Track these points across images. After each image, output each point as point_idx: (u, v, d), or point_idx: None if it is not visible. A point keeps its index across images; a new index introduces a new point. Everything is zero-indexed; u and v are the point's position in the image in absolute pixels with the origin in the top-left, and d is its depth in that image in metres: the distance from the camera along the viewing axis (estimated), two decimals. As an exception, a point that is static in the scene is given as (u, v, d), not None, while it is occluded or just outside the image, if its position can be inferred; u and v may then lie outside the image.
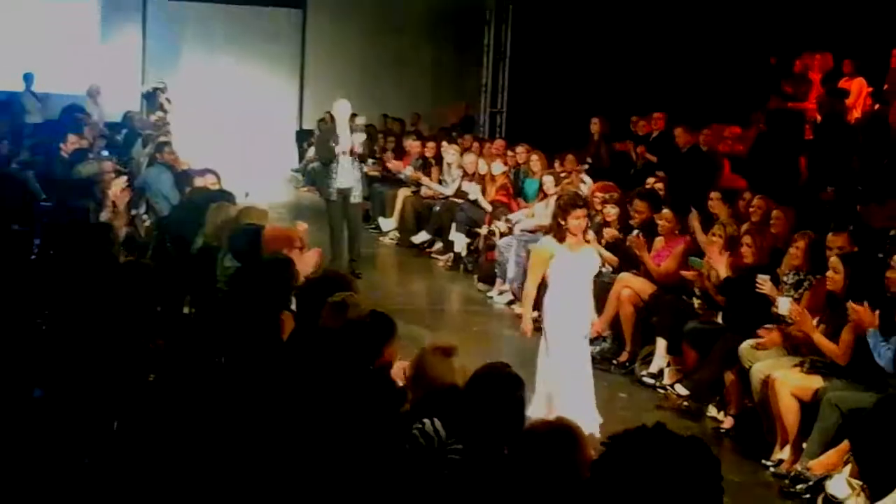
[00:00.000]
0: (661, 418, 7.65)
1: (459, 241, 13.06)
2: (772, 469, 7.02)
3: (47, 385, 4.99)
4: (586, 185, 11.65)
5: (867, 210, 9.44)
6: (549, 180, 11.86)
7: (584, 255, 7.16)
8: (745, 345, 7.57)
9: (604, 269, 9.85)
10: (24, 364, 5.21)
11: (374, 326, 5.07)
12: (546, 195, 11.75)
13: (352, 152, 11.81)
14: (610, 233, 9.90)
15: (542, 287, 7.36)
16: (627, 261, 9.54)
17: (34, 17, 19.52)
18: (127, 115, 16.46)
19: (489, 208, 12.79)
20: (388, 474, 4.19)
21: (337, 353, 5.09)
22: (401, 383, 5.02)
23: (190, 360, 5.15)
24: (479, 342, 9.84)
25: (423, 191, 14.69)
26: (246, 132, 19.68)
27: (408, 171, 15.20)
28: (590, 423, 6.82)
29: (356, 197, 12.03)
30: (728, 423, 7.79)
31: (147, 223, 10.75)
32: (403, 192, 14.91)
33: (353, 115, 12.77)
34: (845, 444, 6.42)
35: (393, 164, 15.64)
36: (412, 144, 15.68)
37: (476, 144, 15.07)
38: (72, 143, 12.00)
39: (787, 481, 6.74)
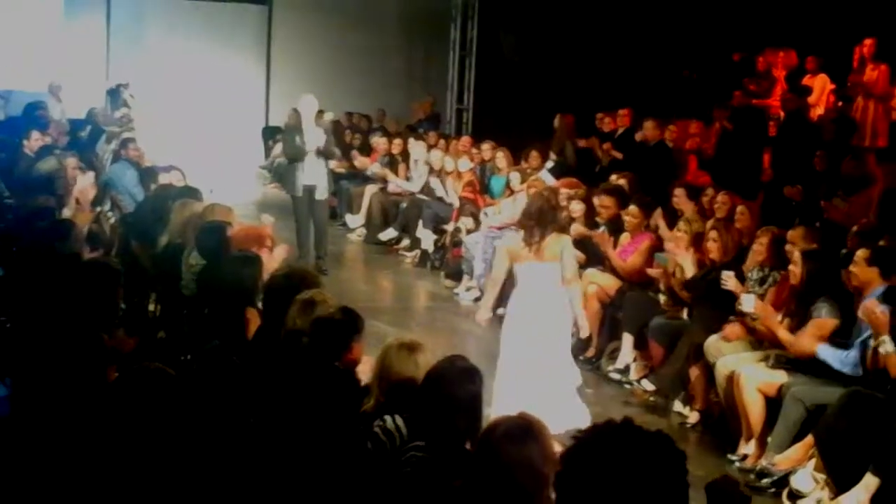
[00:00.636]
0: (627, 413, 7.68)
1: (426, 238, 13.06)
2: (737, 464, 7.05)
3: (12, 381, 4.96)
4: (550, 182, 11.66)
5: (830, 206, 9.52)
6: (515, 177, 11.88)
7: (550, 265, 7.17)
8: (711, 340, 7.61)
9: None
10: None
11: (342, 322, 5.05)
12: (513, 192, 11.77)
13: (319, 152, 11.79)
14: (576, 229, 9.91)
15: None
16: (594, 257, 9.56)
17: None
18: (91, 111, 16.33)
19: (456, 204, 12.79)
20: (348, 473, 4.17)
21: (304, 348, 5.08)
22: (366, 380, 5.00)
23: (155, 357, 5.11)
24: (445, 338, 9.85)
25: (391, 187, 14.67)
26: (212, 128, 19.56)
27: (375, 168, 15.18)
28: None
29: (322, 193, 12.00)
30: (694, 417, 7.83)
31: (112, 220, 10.67)
32: (370, 189, 14.90)
33: (320, 112, 12.73)
34: (809, 438, 6.48)
35: (360, 161, 15.61)
36: (379, 141, 15.66)
37: (442, 141, 15.07)
38: (35, 139, 11.90)
39: (752, 476, 6.78)
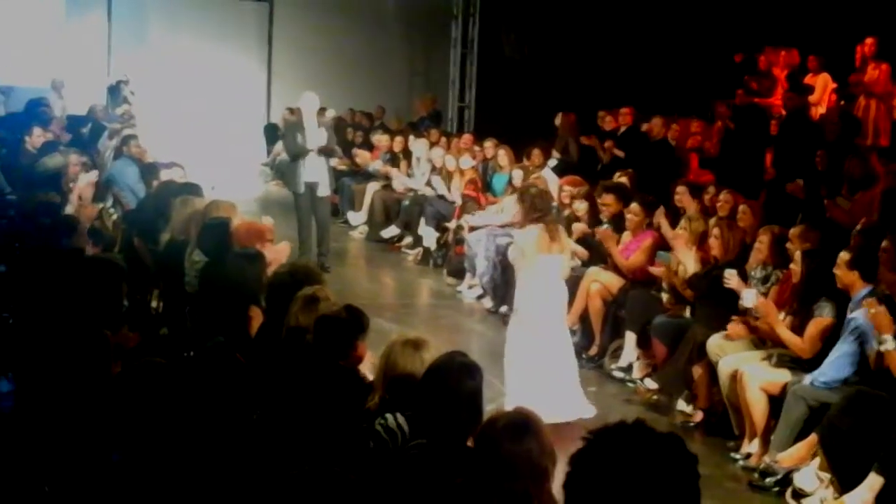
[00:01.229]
0: (630, 412, 7.74)
1: (428, 236, 13.05)
2: (741, 462, 7.05)
3: (15, 376, 4.96)
4: (553, 181, 11.65)
5: (833, 205, 9.51)
6: (517, 175, 11.87)
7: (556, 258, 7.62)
8: (714, 339, 7.60)
9: (573, 263, 9.88)
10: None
11: (348, 321, 5.04)
12: (515, 189, 11.75)
13: (320, 150, 11.79)
14: (579, 227, 9.90)
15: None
16: (596, 255, 9.55)
17: (-4, 8, 19.32)
18: (92, 108, 16.33)
19: (459, 202, 12.79)
20: (350, 471, 4.17)
21: (308, 346, 5.07)
22: (370, 377, 4.99)
23: (158, 354, 5.10)
24: (447, 336, 9.84)
25: (393, 185, 14.66)
26: (213, 125, 19.57)
27: (377, 166, 15.17)
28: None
29: (323, 190, 12.00)
30: (697, 416, 7.81)
31: (114, 217, 10.66)
32: (372, 187, 14.90)
33: (322, 109, 12.71)
34: (813, 437, 6.46)
35: (362, 157, 15.60)
36: (380, 139, 15.65)
37: (444, 139, 15.06)
38: (37, 136, 11.89)
39: (755, 474, 6.78)
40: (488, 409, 4.38)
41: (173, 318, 7.77)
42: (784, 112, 12.71)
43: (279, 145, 16.84)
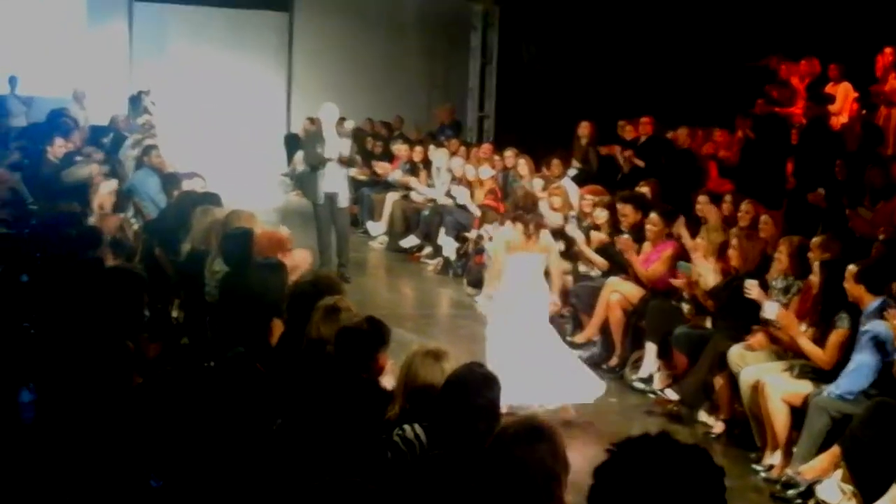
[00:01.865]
0: (651, 423, 7.72)
1: (448, 246, 13.04)
2: (763, 474, 7.01)
3: (36, 386, 4.96)
4: (573, 190, 11.64)
5: (855, 215, 9.47)
6: (538, 184, 11.85)
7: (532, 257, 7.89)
8: (735, 350, 7.56)
9: (593, 273, 9.85)
10: (12, 367, 5.18)
11: (369, 333, 5.02)
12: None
13: (340, 160, 11.80)
14: (598, 236, 9.87)
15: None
16: (616, 265, 9.52)
17: (19, 19, 19.43)
18: (113, 118, 16.42)
19: (478, 212, 12.77)
20: (367, 483, 4.16)
21: (329, 357, 5.06)
22: (389, 387, 4.98)
23: (179, 363, 5.12)
24: (467, 346, 9.79)
25: (413, 195, 14.67)
26: (234, 136, 19.65)
27: (396, 175, 15.18)
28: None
29: (343, 201, 12.01)
30: (719, 427, 7.77)
31: (135, 227, 10.70)
32: (392, 197, 14.90)
33: (342, 120, 12.72)
34: (836, 448, 6.42)
35: (381, 168, 15.61)
36: (400, 149, 15.66)
37: (463, 149, 15.06)
38: (59, 146, 11.95)
39: (778, 486, 6.75)
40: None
41: (194, 327, 7.78)
42: (805, 121, 12.66)
43: (299, 155, 16.86)
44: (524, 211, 7.91)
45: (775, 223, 8.77)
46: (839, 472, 6.35)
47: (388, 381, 5.12)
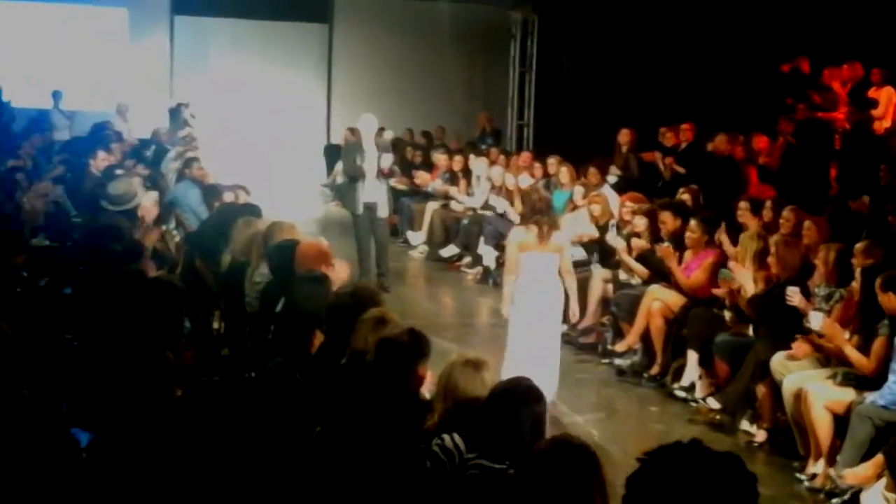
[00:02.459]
0: (693, 432, 7.68)
1: (488, 255, 13.03)
2: (806, 483, 6.95)
3: (75, 398, 5.01)
4: (613, 198, 11.60)
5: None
6: (579, 191, 11.82)
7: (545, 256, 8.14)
8: (777, 357, 7.49)
9: (633, 281, 9.81)
10: (53, 378, 5.23)
11: (410, 346, 5.02)
12: (575, 206, 11.71)
13: (381, 173, 11.85)
14: (638, 244, 9.82)
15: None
16: (657, 273, 9.47)
17: (62, 34, 19.68)
18: (155, 131, 16.57)
19: (517, 221, 12.74)
20: (407, 492, 4.17)
21: (369, 368, 5.07)
22: (429, 396, 4.98)
23: (219, 374, 5.14)
24: (508, 356, 9.80)
25: (453, 205, 14.68)
26: (274, 147, 19.78)
27: (436, 185, 15.20)
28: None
29: (382, 211, 12.04)
30: (761, 436, 7.71)
31: (177, 239, 10.78)
32: (432, 206, 14.92)
33: (381, 130, 12.76)
34: (879, 457, 6.35)
35: (421, 178, 15.64)
36: (440, 158, 15.68)
37: (503, 157, 15.05)
38: (101, 159, 12.06)
39: (821, 495, 6.70)
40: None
41: (234, 338, 7.82)
42: (847, 126, 12.55)
43: (339, 166, 16.94)
44: (539, 213, 8.16)
45: (819, 229, 8.68)
46: (883, 481, 6.28)
47: (427, 391, 5.12)
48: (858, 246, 7.66)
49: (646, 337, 9.29)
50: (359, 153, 11.95)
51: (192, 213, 11.07)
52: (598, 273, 10.21)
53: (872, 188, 10.31)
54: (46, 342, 5.69)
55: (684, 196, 10.56)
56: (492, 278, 12.82)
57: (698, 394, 8.55)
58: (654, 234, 9.79)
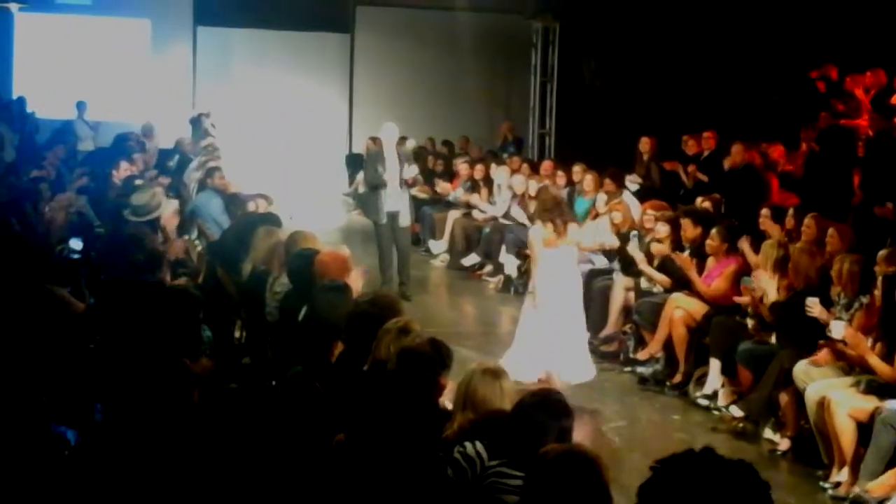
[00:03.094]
0: (716, 440, 7.64)
1: (510, 263, 13.02)
2: (830, 491, 6.90)
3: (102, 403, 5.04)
4: (634, 205, 11.56)
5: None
6: (602, 199, 11.79)
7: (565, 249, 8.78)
8: (800, 365, 7.45)
9: (655, 290, 9.77)
10: (76, 384, 5.26)
11: (432, 356, 5.01)
12: (598, 214, 11.68)
13: (404, 183, 11.89)
14: (658, 248, 9.78)
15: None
16: (679, 281, 9.43)
17: (86, 46, 19.82)
18: (178, 141, 16.64)
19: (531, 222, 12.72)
20: (424, 500, 4.16)
21: (390, 377, 5.07)
22: (449, 406, 4.98)
23: (239, 382, 5.16)
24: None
25: (474, 213, 14.68)
26: (296, 156, 19.84)
27: (458, 194, 15.20)
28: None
29: (404, 220, 12.06)
30: (784, 444, 7.67)
31: (199, 248, 10.81)
32: (453, 215, 14.92)
33: (403, 139, 12.77)
34: (904, 465, 6.30)
35: (442, 187, 15.64)
36: (462, 167, 15.68)
37: (525, 166, 15.04)
38: (124, 169, 12.12)
39: (846, 504, 6.63)
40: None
41: (255, 347, 7.83)
42: (871, 133, 12.47)
43: (360, 175, 16.96)
44: (551, 211, 8.76)
45: (844, 236, 8.59)
46: (909, 490, 6.23)
47: (447, 400, 5.12)
48: (882, 253, 7.61)
49: (668, 345, 9.26)
50: (380, 162, 11.97)
51: (213, 223, 11.10)
52: (620, 281, 10.19)
53: (894, 195, 10.24)
54: (70, 352, 5.72)
55: (705, 204, 10.53)
56: (513, 287, 12.80)
57: (721, 402, 8.51)
58: (676, 242, 9.75)
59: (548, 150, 19.36)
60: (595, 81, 19.08)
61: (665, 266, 9.65)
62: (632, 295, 9.99)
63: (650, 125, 14.74)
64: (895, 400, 6.63)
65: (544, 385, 8.18)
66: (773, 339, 8.26)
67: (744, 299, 8.63)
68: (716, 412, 8.48)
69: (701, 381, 8.89)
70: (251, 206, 10.54)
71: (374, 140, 14.18)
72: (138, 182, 10.89)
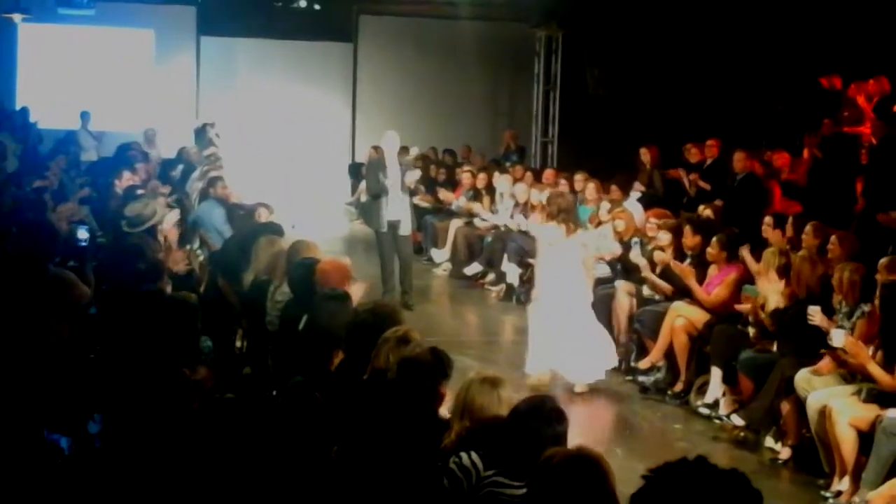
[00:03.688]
0: (717, 449, 7.62)
1: (512, 272, 13.01)
2: (831, 500, 6.88)
3: (101, 413, 5.04)
4: (639, 212, 11.54)
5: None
6: (605, 206, 11.79)
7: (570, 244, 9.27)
8: (801, 374, 7.43)
9: (657, 297, 9.76)
10: (77, 394, 5.26)
11: (433, 365, 5.01)
12: (600, 222, 11.67)
13: (404, 186, 11.89)
14: (659, 256, 9.77)
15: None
16: (681, 289, 9.42)
17: (90, 56, 19.86)
18: (182, 150, 16.66)
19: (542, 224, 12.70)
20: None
21: (389, 387, 5.07)
22: (448, 415, 4.97)
23: (240, 392, 5.15)
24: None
25: (476, 222, 14.68)
26: (299, 165, 19.86)
27: (460, 203, 15.21)
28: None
29: (405, 229, 12.06)
30: (786, 453, 7.65)
31: (200, 258, 10.82)
32: (455, 224, 14.93)
33: (405, 149, 12.77)
34: (905, 474, 6.29)
35: (444, 196, 15.65)
36: (464, 175, 15.68)
37: (528, 174, 15.05)
38: (126, 179, 12.13)
39: (846, 512, 6.61)
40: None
41: (256, 357, 7.83)
42: (874, 141, 12.47)
43: (363, 184, 16.97)
44: (565, 212, 9.26)
45: (846, 244, 8.57)
46: (910, 499, 6.21)
47: (445, 409, 5.12)
48: (883, 261, 7.61)
49: (669, 353, 9.24)
50: (382, 171, 11.97)
51: (215, 233, 11.11)
52: (622, 287, 10.16)
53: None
54: (71, 361, 5.73)
55: (706, 212, 10.52)
56: (515, 296, 12.79)
57: (722, 411, 8.49)
58: (678, 250, 9.74)
59: (550, 158, 19.36)
60: (598, 90, 19.08)
61: (667, 275, 9.64)
62: (634, 302, 9.98)
63: (653, 134, 14.75)
64: (896, 409, 6.61)
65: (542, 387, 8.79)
66: (775, 348, 8.24)
67: (744, 307, 8.62)
68: (717, 421, 8.46)
69: (702, 390, 8.87)
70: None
71: (376, 149, 14.21)
72: (140, 192, 10.90)
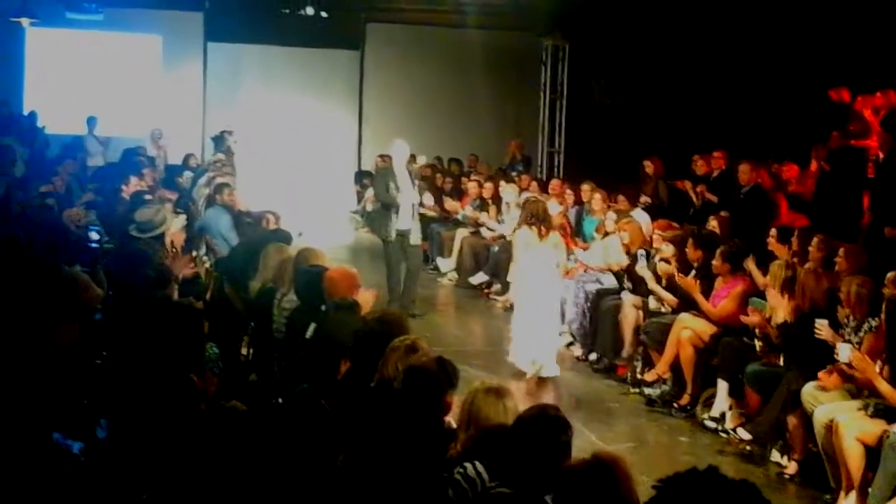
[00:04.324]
0: (723, 463, 7.59)
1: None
2: (837, 515, 6.86)
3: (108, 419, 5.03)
4: (646, 222, 11.52)
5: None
6: (611, 216, 11.78)
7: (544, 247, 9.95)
8: (808, 388, 7.41)
9: (663, 310, 9.75)
10: (84, 400, 5.25)
11: (439, 375, 5.00)
12: (607, 233, 11.66)
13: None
14: (663, 268, 9.75)
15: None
16: (687, 301, 9.40)
17: (97, 61, 19.88)
18: (188, 157, 16.68)
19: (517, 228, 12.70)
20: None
21: (396, 396, 5.06)
22: (453, 424, 4.96)
23: (245, 399, 5.14)
24: (535, 383, 9.77)
25: (482, 232, 14.68)
26: (305, 173, 19.87)
27: (466, 212, 15.21)
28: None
29: (414, 238, 12.08)
30: (792, 467, 7.62)
31: (206, 265, 10.82)
32: (461, 233, 14.94)
33: (413, 157, 12.79)
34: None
35: (451, 205, 15.65)
36: (471, 185, 15.69)
37: (534, 184, 15.06)
38: (133, 185, 12.13)
39: (852, 528, 6.58)
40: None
41: (262, 364, 7.82)
42: (881, 154, 12.45)
43: (369, 192, 16.98)
44: (536, 217, 9.92)
45: (853, 258, 8.54)
46: (917, 515, 6.19)
47: (451, 419, 5.11)
48: (890, 275, 7.59)
49: (675, 366, 9.22)
50: (391, 180, 11.98)
51: (222, 239, 11.11)
52: (629, 299, 10.15)
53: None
54: (78, 367, 5.72)
55: (713, 224, 10.50)
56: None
57: (728, 424, 8.46)
58: (683, 262, 9.71)
59: (557, 168, 19.37)
60: (605, 100, 19.10)
61: (673, 287, 9.62)
62: (640, 314, 9.97)
63: (660, 144, 14.75)
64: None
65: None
66: (781, 361, 8.22)
67: (751, 319, 8.58)
68: (723, 434, 8.43)
69: (708, 403, 8.85)
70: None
71: (384, 157, 14.20)
72: (147, 197, 10.91)
